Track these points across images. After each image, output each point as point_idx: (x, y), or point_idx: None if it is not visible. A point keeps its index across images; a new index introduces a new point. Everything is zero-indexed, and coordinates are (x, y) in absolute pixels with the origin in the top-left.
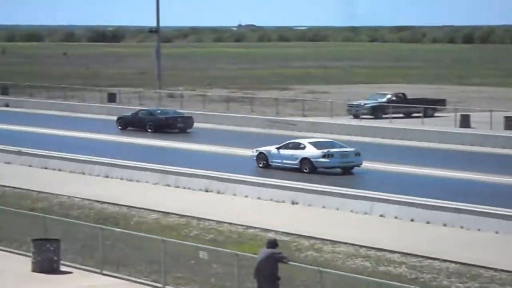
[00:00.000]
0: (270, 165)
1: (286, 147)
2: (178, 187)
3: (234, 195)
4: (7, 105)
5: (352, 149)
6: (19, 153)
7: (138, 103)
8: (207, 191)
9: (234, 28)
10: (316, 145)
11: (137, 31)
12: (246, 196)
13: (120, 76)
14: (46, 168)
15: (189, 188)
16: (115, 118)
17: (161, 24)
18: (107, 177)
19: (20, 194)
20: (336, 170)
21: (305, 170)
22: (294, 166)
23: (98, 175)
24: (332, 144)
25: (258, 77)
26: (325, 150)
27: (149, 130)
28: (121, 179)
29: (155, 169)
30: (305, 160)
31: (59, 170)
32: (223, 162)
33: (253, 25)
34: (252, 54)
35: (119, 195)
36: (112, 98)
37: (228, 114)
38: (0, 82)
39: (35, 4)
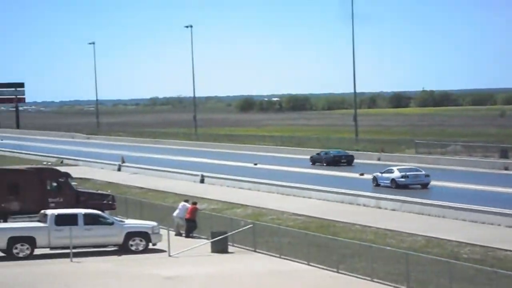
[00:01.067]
0: (379, 184)
1: (386, 172)
2: None
3: None
4: (506, 168)
5: (423, 172)
6: None
7: None
8: None
9: None
10: (400, 170)
11: None
12: None
13: None
14: None
15: None
16: None
17: None
18: None
19: None
20: (417, 186)
21: (392, 187)
22: (388, 185)
23: None
24: (414, 170)
25: None
26: (403, 173)
27: (324, 164)
28: None
29: None
30: (392, 180)
31: None
32: None
33: None
34: None
35: None
36: None
37: None
38: (499, 145)
39: None
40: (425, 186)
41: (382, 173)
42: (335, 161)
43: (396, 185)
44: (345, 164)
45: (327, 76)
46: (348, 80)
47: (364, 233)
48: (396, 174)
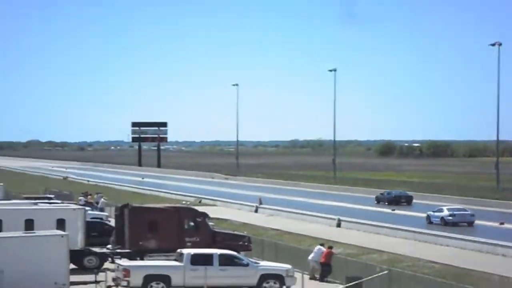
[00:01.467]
0: (432, 222)
1: (437, 211)
2: None
3: None
4: None
5: (469, 212)
6: None
7: None
8: None
9: None
10: (449, 209)
11: None
12: None
13: None
14: None
15: None
16: None
17: None
18: None
19: None
20: (464, 224)
21: (442, 224)
22: (438, 222)
23: None
24: (461, 210)
25: None
26: (451, 212)
27: (386, 203)
28: None
29: None
30: (442, 218)
31: None
32: None
33: None
34: None
35: None
36: None
37: None
38: None
39: None
40: (470, 224)
41: (434, 212)
42: (396, 201)
43: (445, 223)
44: (404, 203)
45: (470, 123)
46: (491, 127)
47: (502, 284)
48: (445, 212)
